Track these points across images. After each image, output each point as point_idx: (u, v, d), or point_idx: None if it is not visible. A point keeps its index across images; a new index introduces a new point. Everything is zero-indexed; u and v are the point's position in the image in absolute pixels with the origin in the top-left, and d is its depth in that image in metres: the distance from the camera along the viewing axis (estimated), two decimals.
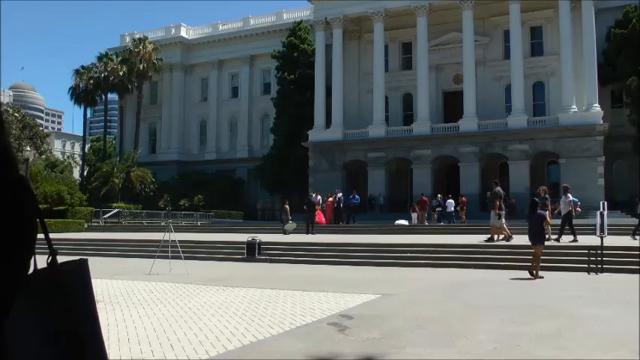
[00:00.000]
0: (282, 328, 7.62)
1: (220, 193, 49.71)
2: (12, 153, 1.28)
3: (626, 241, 17.64)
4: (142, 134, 57.35)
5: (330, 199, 32.23)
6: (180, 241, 16.08)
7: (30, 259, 1.25)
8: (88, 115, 75.48)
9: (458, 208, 32.68)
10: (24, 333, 1.26)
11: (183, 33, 59.80)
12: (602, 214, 16.03)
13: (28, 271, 1.25)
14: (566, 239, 18.24)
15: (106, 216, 39.08)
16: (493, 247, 17.90)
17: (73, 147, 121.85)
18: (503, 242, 18.17)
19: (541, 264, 15.76)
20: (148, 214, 41.70)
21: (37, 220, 1.31)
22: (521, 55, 40.38)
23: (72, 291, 1.36)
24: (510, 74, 40.48)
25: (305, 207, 27.96)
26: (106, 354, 1.40)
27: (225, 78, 58.68)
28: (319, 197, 31.71)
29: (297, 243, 21.04)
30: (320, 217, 29.88)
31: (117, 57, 56.59)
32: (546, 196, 19.08)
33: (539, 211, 13.74)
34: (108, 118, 69.18)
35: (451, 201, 32.74)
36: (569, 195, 18.82)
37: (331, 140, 44.00)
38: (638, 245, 15.45)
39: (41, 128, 58.77)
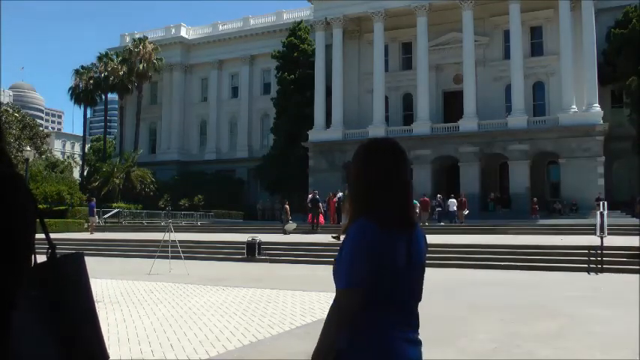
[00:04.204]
0: (282, 328, 7.62)
1: (220, 193, 49.69)
2: (6, 150, 1.30)
3: (626, 241, 17.64)
4: (142, 134, 57.33)
5: (335, 199, 32.19)
6: (180, 241, 16.08)
7: (30, 254, 1.28)
8: (88, 115, 75.47)
9: (456, 208, 32.51)
10: (28, 321, 1.30)
11: (183, 33, 59.78)
12: (601, 214, 16.05)
13: (28, 265, 1.28)
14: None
15: (106, 216, 39.03)
16: (493, 247, 17.90)
17: (73, 147, 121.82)
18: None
19: (540, 264, 15.79)
20: (148, 214, 41.68)
21: (37, 218, 1.33)
22: (521, 55, 40.34)
23: (70, 281, 1.44)
24: (510, 74, 40.44)
25: (309, 204, 27.94)
26: (101, 332, 1.49)
27: (225, 78, 58.67)
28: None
29: (297, 243, 21.04)
30: (320, 216, 29.82)
31: (117, 57, 56.56)
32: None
33: None
34: (108, 118, 69.14)
35: (453, 200, 32.49)
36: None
37: (331, 140, 43.98)
38: (638, 245, 15.44)
39: (41, 128, 58.59)
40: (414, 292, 1.89)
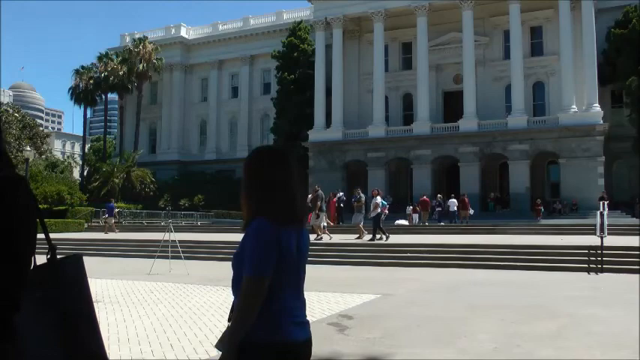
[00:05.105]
0: None
1: (220, 193, 49.69)
2: (6, 152, 1.30)
3: (626, 241, 17.62)
4: (142, 134, 57.37)
5: (335, 199, 32.16)
6: (180, 241, 16.06)
7: (32, 256, 1.28)
8: (88, 115, 75.47)
9: (456, 208, 32.47)
10: (32, 322, 1.31)
11: (183, 33, 59.82)
12: (602, 214, 16.05)
13: (29, 267, 1.28)
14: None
15: (106, 216, 38.98)
16: (493, 247, 17.89)
17: (73, 147, 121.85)
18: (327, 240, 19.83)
19: (540, 264, 15.78)
20: (148, 214, 41.69)
21: (37, 219, 1.33)
22: (521, 55, 40.38)
23: (71, 283, 1.47)
24: (510, 74, 40.47)
25: (309, 204, 28.00)
26: (99, 333, 1.53)
27: (225, 78, 58.70)
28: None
29: None
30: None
31: (117, 57, 56.60)
32: (360, 196, 20.45)
33: None
34: (108, 118, 69.17)
35: (453, 200, 32.46)
36: (379, 198, 19.76)
37: (331, 140, 43.99)
38: (638, 245, 15.43)
39: (41, 128, 58.63)
40: (302, 278, 2.18)
